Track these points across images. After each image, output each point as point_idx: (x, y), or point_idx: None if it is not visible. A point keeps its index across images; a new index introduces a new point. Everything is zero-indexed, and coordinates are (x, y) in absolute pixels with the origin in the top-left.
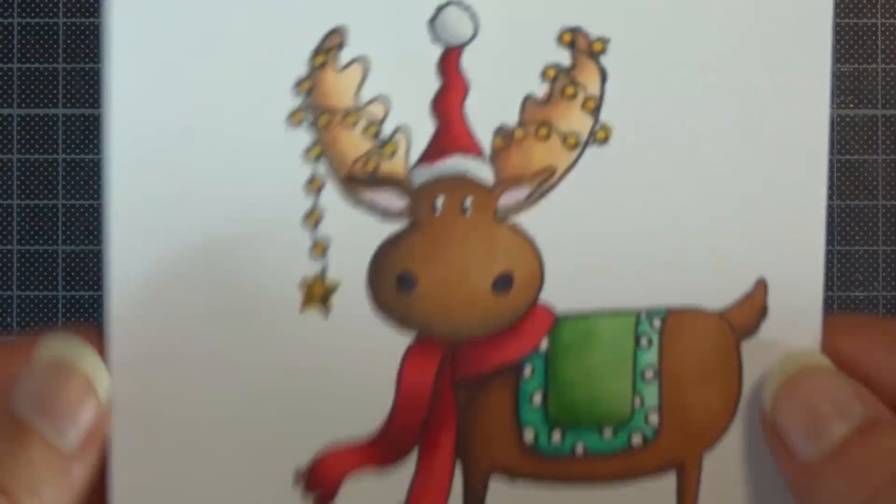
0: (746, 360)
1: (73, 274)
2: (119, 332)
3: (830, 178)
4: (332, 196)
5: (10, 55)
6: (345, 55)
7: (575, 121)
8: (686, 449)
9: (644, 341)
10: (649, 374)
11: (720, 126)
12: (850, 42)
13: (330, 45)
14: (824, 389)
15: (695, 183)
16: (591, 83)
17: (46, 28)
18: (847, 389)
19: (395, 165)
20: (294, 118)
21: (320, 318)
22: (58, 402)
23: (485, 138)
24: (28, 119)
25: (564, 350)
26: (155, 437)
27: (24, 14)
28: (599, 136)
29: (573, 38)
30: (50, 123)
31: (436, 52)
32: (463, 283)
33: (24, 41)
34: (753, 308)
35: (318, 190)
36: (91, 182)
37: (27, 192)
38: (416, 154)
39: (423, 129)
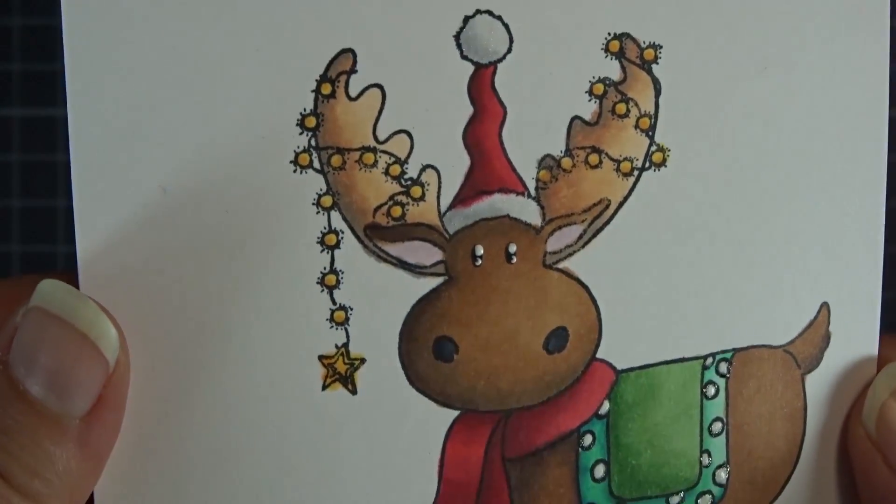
0: (810, 395)
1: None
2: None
3: None
4: (350, 253)
5: (10, 56)
6: (357, 82)
7: (628, 143)
8: (752, 503)
9: (711, 390)
10: (717, 426)
11: (782, 136)
12: None
13: (339, 71)
14: None
15: (758, 206)
16: (644, 98)
17: (46, 28)
18: None
19: (425, 211)
20: (300, 160)
21: (345, 398)
22: (59, 367)
23: (527, 172)
24: (28, 120)
25: (627, 410)
26: None
27: (24, 14)
28: (655, 158)
29: (621, 46)
30: (50, 124)
31: (465, 72)
32: (510, 344)
33: (24, 42)
34: (817, 336)
35: (334, 246)
36: None
37: (28, 192)
38: (448, 196)
39: (455, 166)
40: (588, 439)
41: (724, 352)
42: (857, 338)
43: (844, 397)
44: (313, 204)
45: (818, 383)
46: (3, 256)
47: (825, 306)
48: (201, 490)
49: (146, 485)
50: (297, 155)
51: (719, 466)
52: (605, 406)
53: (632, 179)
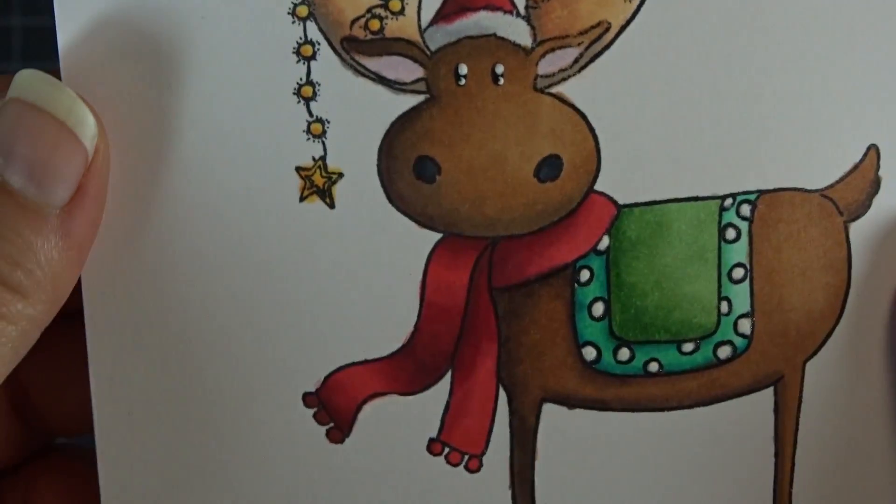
0: (855, 246)
1: None
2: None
3: None
4: (327, 65)
5: (10, 56)
6: None
7: None
8: (784, 358)
9: (730, 233)
10: (738, 272)
11: None
12: None
13: None
14: None
15: (790, 33)
16: None
17: (46, 28)
18: None
19: (404, 26)
20: None
21: (323, 211)
22: (37, 156)
23: None
24: None
25: (630, 247)
26: (137, 354)
27: (24, 15)
28: None
29: None
30: None
31: None
32: (498, 168)
33: (24, 42)
34: (864, 181)
35: (310, 57)
36: None
37: None
38: (429, 11)
39: None
40: (585, 275)
41: (746, 193)
42: None
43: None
44: (289, 13)
45: (865, 232)
46: None
47: (873, 149)
48: (182, 278)
49: (131, 276)
50: None
51: (742, 316)
52: (605, 241)
53: (636, 2)
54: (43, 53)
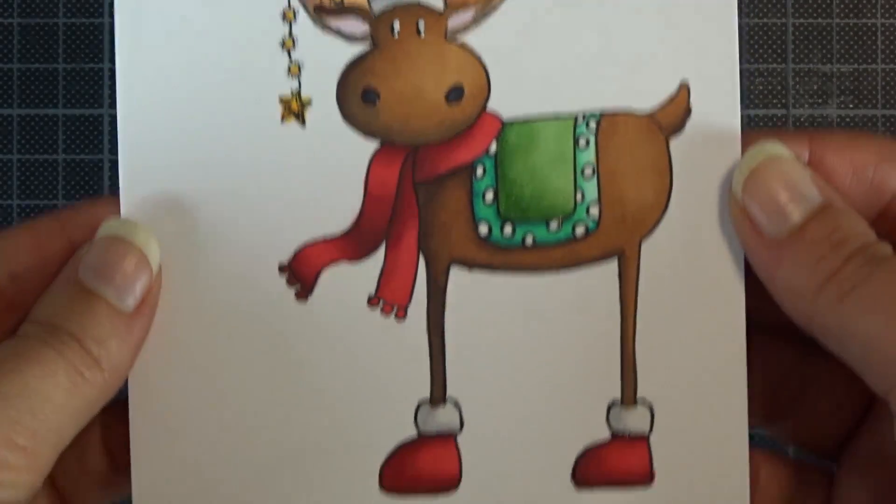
0: (675, 156)
1: None
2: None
3: None
4: (304, 25)
5: (10, 55)
6: None
7: None
8: (625, 238)
9: (582, 142)
10: (588, 171)
11: None
12: (850, 42)
13: None
14: (788, 174)
15: (620, 8)
16: None
17: (46, 28)
18: (806, 176)
19: None
20: None
21: (298, 129)
22: (118, 272)
23: None
24: (28, 119)
25: (511, 151)
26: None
27: (24, 14)
28: None
29: None
30: (50, 124)
31: None
32: (419, 95)
33: (24, 41)
34: (678, 109)
35: (292, 20)
36: (91, 182)
37: (27, 192)
38: None
39: None
40: (480, 171)
41: (592, 113)
42: (717, 110)
43: (707, 158)
44: None
45: (681, 146)
46: None
47: (685, 84)
48: (190, 193)
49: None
50: None
51: (592, 203)
52: (494, 146)
53: None
54: (42, 53)
